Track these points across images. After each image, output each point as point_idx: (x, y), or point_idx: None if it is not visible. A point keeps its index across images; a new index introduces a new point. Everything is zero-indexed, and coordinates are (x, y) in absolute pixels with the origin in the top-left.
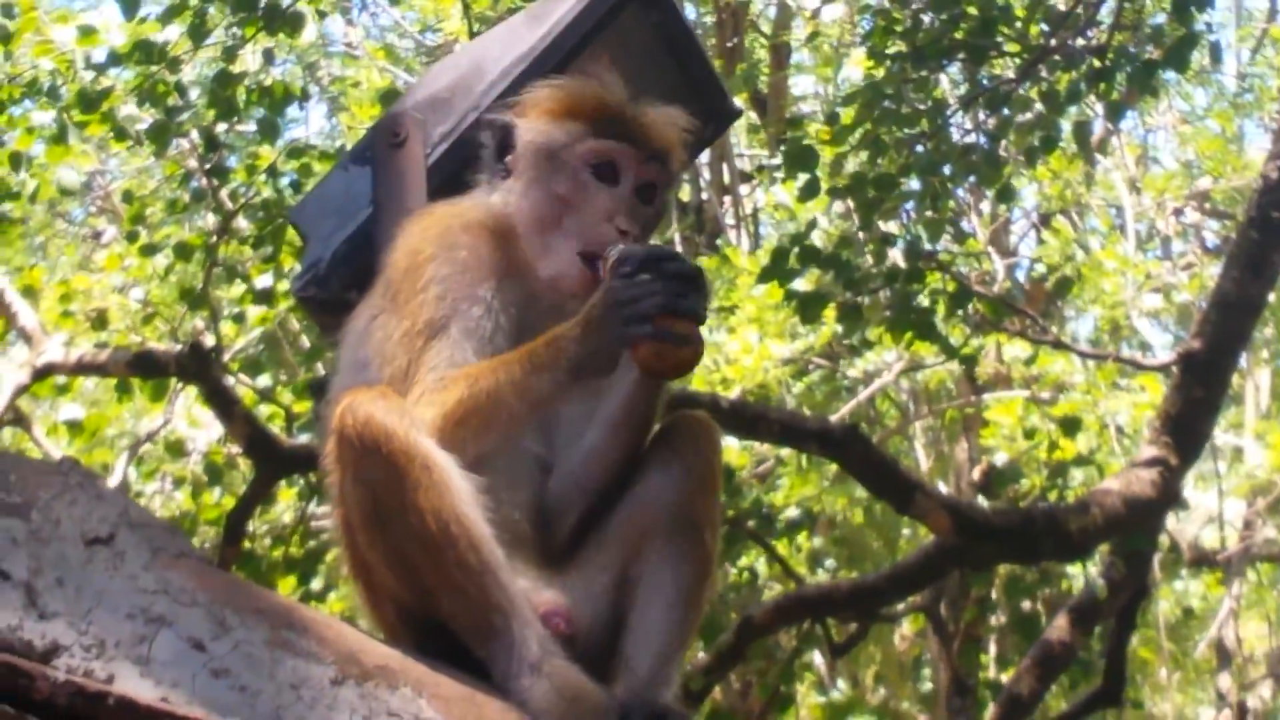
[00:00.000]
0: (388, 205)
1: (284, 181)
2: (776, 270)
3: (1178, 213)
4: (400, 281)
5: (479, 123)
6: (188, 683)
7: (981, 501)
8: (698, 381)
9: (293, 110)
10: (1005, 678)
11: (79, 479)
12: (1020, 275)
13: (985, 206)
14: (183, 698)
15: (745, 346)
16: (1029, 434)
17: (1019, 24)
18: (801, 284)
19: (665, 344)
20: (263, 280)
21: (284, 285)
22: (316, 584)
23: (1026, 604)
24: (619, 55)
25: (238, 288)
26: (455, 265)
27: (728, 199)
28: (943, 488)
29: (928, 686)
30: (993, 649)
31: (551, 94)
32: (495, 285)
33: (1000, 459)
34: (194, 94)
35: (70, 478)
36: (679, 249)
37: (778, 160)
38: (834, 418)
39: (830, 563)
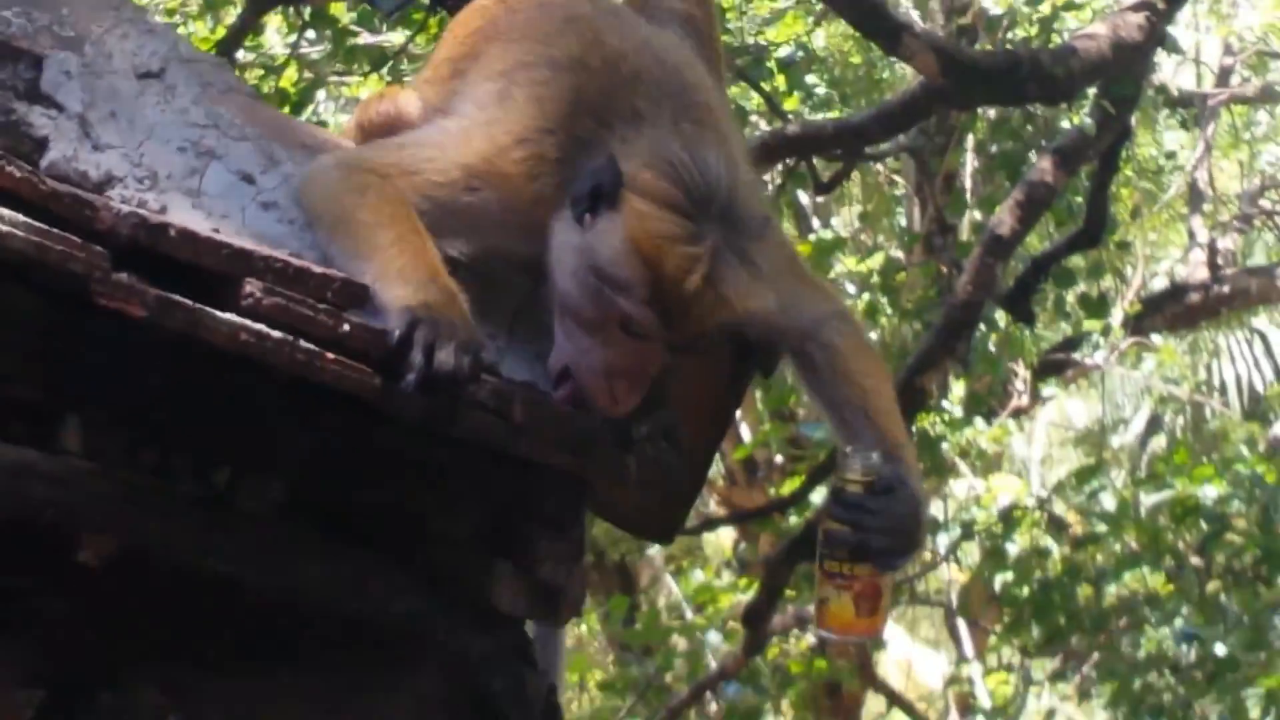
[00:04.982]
0: None
1: None
2: None
3: None
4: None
5: None
6: (237, 215)
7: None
8: None
9: None
10: (986, 218)
11: (130, 13)
12: None
13: None
14: (233, 229)
15: None
16: None
17: None
18: None
19: None
20: None
21: None
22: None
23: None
24: None
25: None
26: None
27: None
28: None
29: (902, 222)
30: (972, 190)
31: (649, 208)
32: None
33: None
34: None
35: (122, 11)
36: None
37: None
38: None
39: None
